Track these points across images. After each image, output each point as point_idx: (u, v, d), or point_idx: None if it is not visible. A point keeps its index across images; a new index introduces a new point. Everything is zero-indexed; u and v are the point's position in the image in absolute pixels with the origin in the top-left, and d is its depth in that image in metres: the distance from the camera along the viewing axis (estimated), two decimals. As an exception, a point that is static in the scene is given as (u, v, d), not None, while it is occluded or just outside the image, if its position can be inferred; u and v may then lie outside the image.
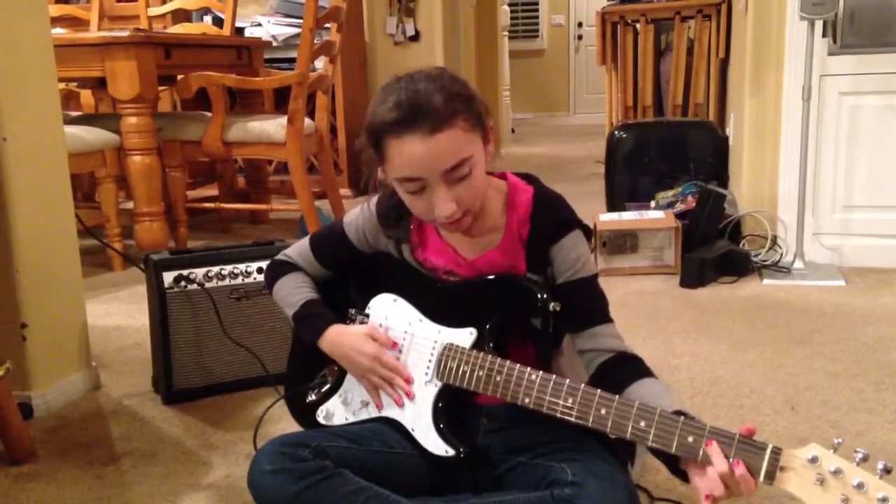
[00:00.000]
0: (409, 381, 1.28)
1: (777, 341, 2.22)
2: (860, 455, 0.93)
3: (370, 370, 1.29)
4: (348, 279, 1.41)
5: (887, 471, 0.91)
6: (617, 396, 1.09)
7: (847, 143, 2.86)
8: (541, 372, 1.15)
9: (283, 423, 1.71)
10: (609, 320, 1.25)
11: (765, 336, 2.27)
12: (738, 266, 2.83)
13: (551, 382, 1.13)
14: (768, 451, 0.97)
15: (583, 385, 1.11)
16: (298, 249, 1.43)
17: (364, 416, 1.34)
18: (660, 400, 1.13)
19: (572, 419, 1.11)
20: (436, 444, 1.24)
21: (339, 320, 1.36)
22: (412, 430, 1.27)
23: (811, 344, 2.19)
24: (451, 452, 1.23)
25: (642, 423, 1.05)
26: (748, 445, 0.99)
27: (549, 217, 1.26)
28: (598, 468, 1.17)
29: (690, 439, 1.02)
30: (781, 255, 2.93)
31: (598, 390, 1.10)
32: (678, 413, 1.09)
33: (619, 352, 1.23)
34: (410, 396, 1.28)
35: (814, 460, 0.94)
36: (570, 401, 1.11)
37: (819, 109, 2.84)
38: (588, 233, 1.28)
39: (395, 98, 1.14)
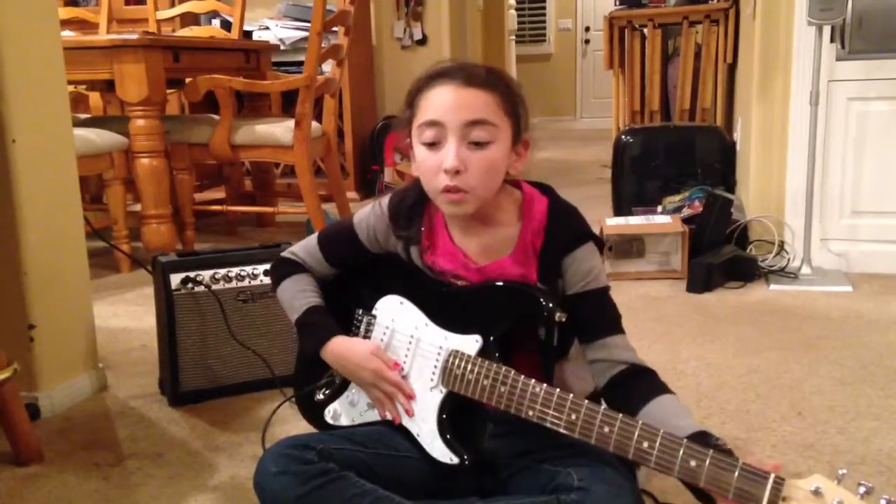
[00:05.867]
0: (410, 397, 1.28)
1: (784, 347, 2.22)
2: (864, 489, 0.92)
3: (372, 385, 1.30)
4: (355, 278, 1.41)
5: None
6: (620, 415, 1.08)
7: (855, 148, 2.85)
8: (545, 385, 1.14)
9: (288, 425, 1.71)
10: (621, 332, 1.24)
11: (771, 341, 2.26)
12: (744, 271, 2.83)
13: (555, 397, 1.12)
14: (770, 480, 0.96)
15: (586, 401, 1.11)
16: (305, 246, 1.43)
17: (371, 417, 1.34)
18: (678, 420, 1.12)
19: (575, 435, 1.10)
20: (441, 452, 1.24)
21: (343, 328, 1.36)
22: (417, 435, 1.27)
23: (818, 349, 2.19)
24: (456, 460, 1.23)
25: (645, 444, 1.04)
26: (750, 474, 0.97)
27: (564, 229, 1.26)
28: (605, 473, 1.16)
29: (693, 463, 1.01)
30: (788, 260, 2.92)
31: (602, 407, 1.10)
32: (700, 435, 1.08)
33: (631, 364, 1.21)
34: (410, 414, 1.27)
35: (817, 492, 0.93)
36: (574, 416, 1.10)
37: (827, 115, 2.83)
38: (601, 245, 1.28)
39: (445, 62, 1.22)
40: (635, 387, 1.19)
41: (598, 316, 1.25)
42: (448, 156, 1.17)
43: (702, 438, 1.08)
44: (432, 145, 1.20)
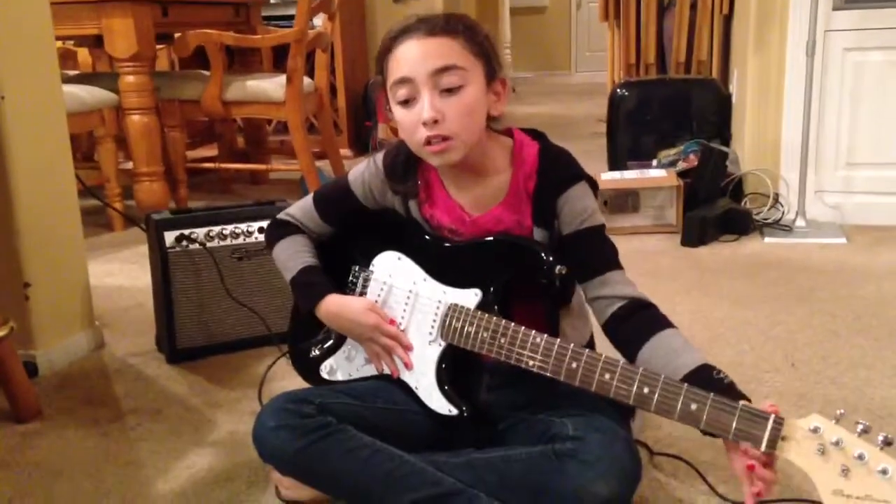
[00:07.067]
0: (408, 348, 1.29)
1: (777, 299, 2.23)
2: (861, 427, 0.93)
3: (370, 339, 1.31)
4: (352, 235, 1.41)
5: (888, 443, 0.91)
6: (621, 361, 1.09)
7: (850, 99, 2.83)
8: (545, 335, 1.15)
9: (286, 381, 1.72)
10: (619, 267, 1.24)
11: (765, 294, 2.28)
12: (739, 224, 2.83)
13: (556, 346, 1.13)
14: (770, 420, 0.97)
15: (587, 350, 1.11)
16: (301, 206, 1.43)
17: (367, 372, 1.35)
18: (681, 356, 1.13)
19: (576, 383, 1.11)
20: (439, 403, 1.25)
21: (338, 288, 1.36)
22: (415, 388, 1.28)
23: (811, 301, 2.20)
24: (455, 412, 1.24)
25: (646, 390, 1.05)
26: (751, 415, 0.99)
27: (556, 170, 1.25)
28: (600, 423, 1.18)
29: (693, 407, 1.02)
30: (783, 213, 2.92)
31: (603, 355, 1.10)
32: (703, 369, 1.10)
33: (631, 298, 1.21)
34: (409, 367, 1.28)
35: (815, 430, 0.95)
36: (575, 365, 1.11)
37: (823, 65, 2.81)
38: (594, 186, 1.28)
39: (404, 20, 1.22)
40: (636, 322, 1.19)
41: (596, 253, 1.25)
42: (423, 108, 1.17)
43: (704, 373, 1.09)
44: (407, 102, 1.20)
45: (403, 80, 1.19)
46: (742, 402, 1.00)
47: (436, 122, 1.17)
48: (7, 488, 1.44)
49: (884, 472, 0.90)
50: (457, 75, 1.18)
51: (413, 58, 1.18)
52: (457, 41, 1.19)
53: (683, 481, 1.38)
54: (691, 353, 1.14)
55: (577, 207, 1.24)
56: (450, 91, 1.18)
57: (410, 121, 1.20)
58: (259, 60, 3.99)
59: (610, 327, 1.22)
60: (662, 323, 1.19)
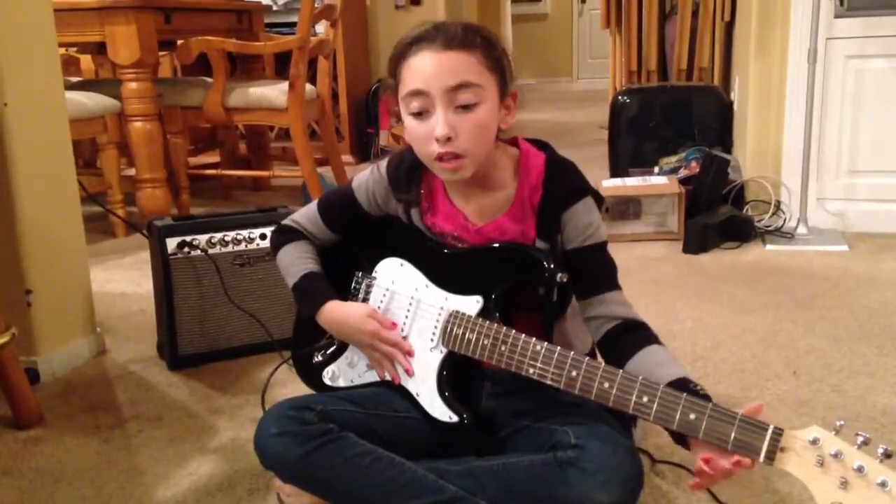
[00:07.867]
0: (410, 354, 1.29)
1: (779, 306, 2.23)
2: (861, 439, 0.93)
3: (370, 346, 1.31)
4: (356, 241, 1.41)
5: (887, 455, 0.91)
6: (621, 371, 1.09)
7: (852, 106, 2.84)
8: (546, 343, 1.15)
9: (288, 388, 1.72)
10: (617, 287, 1.25)
11: (767, 301, 2.27)
12: (741, 232, 2.83)
13: (556, 354, 1.13)
14: (769, 431, 0.97)
15: (587, 358, 1.12)
16: (306, 213, 1.44)
17: (369, 378, 1.35)
18: (663, 368, 1.14)
19: (575, 391, 1.11)
20: (440, 410, 1.25)
21: (340, 294, 1.36)
22: (416, 395, 1.28)
23: (813, 308, 2.20)
24: (455, 419, 1.24)
25: (645, 399, 1.05)
26: (749, 425, 0.99)
27: (562, 183, 1.25)
28: (601, 431, 1.18)
29: (692, 416, 1.02)
30: (785, 220, 2.92)
31: (603, 364, 1.11)
32: (681, 381, 1.10)
33: (625, 318, 1.23)
34: (410, 374, 1.28)
35: (814, 442, 0.94)
36: (574, 373, 1.11)
37: (825, 73, 2.81)
38: (599, 200, 1.28)
39: (421, 26, 1.20)
40: (626, 340, 1.21)
41: (597, 272, 1.25)
42: (437, 124, 1.17)
43: (681, 385, 1.10)
44: (420, 114, 1.19)
45: (418, 93, 1.18)
46: (741, 413, 1.00)
47: (449, 139, 1.17)
48: (9, 494, 1.44)
49: (883, 484, 0.90)
50: (473, 92, 1.17)
51: (429, 71, 1.17)
52: (473, 56, 1.17)
53: (685, 489, 1.38)
54: (673, 367, 1.15)
55: (582, 223, 1.24)
56: (465, 108, 1.17)
57: (422, 134, 1.19)
58: (261, 67, 4.00)
59: (603, 345, 1.24)
60: (651, 340, 1.21)
